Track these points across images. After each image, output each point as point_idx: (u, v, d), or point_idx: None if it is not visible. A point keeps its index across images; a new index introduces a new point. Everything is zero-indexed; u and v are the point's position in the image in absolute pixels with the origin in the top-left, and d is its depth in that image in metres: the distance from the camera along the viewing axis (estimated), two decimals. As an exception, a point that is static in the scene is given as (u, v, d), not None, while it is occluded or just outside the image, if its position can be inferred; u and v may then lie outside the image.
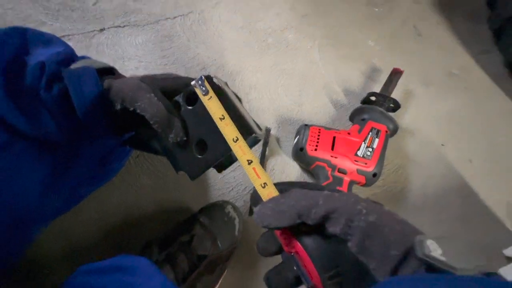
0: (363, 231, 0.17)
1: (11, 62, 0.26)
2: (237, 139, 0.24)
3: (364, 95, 0.60)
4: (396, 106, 0.60)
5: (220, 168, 0.31)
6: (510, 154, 0.66)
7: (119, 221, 0.51)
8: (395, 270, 0.16)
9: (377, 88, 0.62)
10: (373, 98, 0.59)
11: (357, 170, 0.52)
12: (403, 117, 0.68)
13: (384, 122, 0.56)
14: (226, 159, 0.30)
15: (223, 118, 0.25)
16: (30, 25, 0.71)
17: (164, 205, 0.54)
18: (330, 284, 0.18)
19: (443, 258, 0.14)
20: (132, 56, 0.69)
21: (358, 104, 0.61)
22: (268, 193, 0.21)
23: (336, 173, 0.52)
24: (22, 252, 0.33)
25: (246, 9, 0.77)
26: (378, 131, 0.55)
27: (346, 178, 0.52)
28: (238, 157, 0.24)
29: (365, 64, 0.74)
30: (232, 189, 0.57)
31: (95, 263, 0.29)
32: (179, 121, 0.27)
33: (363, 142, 0.53)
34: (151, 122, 0.26)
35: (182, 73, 0.68)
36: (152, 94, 0.26)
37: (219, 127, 0.25)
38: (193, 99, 0.28)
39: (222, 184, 0.57)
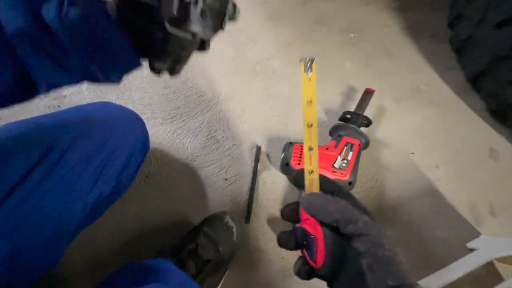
0: (378, 258, 0.21)
1: None
2: (311, 125, 0.26)
3: (341, 113, 0.70)
4: (368, 122, 0.69)
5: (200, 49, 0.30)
6: (471, 159, 0.75)
7: (133, 233, 0.59)
8: None
9: (354, 106, 0.72)
10: (348, 116, 0.69)
11: (335, 179, 0.61)
12: (377, 130, 0.77)
13: (357, 137, 0.65)
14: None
15: (311, 102, 0.26)
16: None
17: (170, 218, 0.62)
18: (327, 268, 0.23)
19: None
20: (139, 87, 0.79)
21: (336, 121, 0.71)
22: (310, 179, 0.26)
23: (317, 183, 0.61)
24: (57, 262, 0.40)
25: (236, 43, 0.88)
26: (352, 145, 0.64)
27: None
28: (304, 140, 0.26)
29: (343, 85, 0.84)
30: (230, 200, 0.65)
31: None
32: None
33: (339, 155, 0.62)
34: None
35: (182, 101, 0.78)
36: None
37: (302, 107, 0.26)
38: None
39: (220, 197, 0.65)
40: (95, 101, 0.75)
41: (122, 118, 0.48)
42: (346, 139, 0.65)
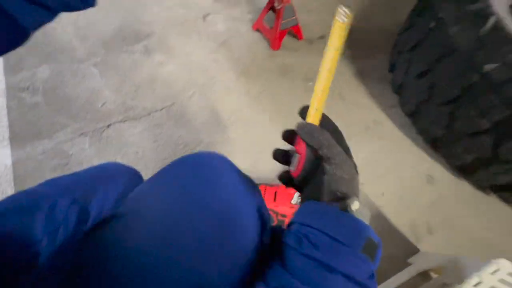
0: (336, 177, 0.27)
1: None
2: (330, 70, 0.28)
3: None
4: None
5: None
6: (412, 185, 0.90)
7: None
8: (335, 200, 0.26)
9: None
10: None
11: (293, 213, 0.75)
12: (333, 166, 0.93)
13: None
14: None
15: (338, 50, 0.28)
16: (57, 127, 0.98)
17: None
18: (301, 177, 0.30)
19: (353, 210, 0.26)
20: (132, 144, 0.94)
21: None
22: (314, 114, 0.29)
23: (279, 217, 0.75)
24: None
25: (213, 97, 1.06)
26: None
27: (287, 220, 0.75)
28: (318, 81, 0.29)
29: (303, 128, 1.01)
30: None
31: None
32: None
33: (296, 193, 0.77)
34: None
35: (170, 152, 0.93)
36: None
37: (327, 52, 0.28)
38: None
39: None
40: (97, 156, 0.91)
41: (126, 173, 0.55)
42: (302, 178, 0.80)
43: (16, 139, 0.93)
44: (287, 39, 1.27)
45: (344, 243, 0.23)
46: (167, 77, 1.12)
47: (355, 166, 0.30)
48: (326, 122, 0.31)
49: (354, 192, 0.28)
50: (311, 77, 1.15)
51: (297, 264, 0.24)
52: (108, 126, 0.98)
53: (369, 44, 1.29)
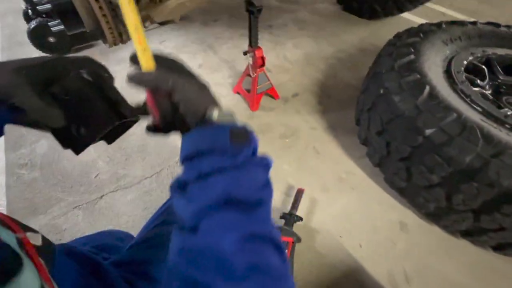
0: (185, 100, 0.29)
1: None
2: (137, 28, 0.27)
3: (283, 210, 0.92)
4: (299, 219, 0.92)
5: (110, 140, 0.35)
6: (386, 233, 0.97)
7: None
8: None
9: (291, 202, 0.95)
10: (283, 218, 0.92)
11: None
12: (312, 220, 1.00)
13: (290, 235, 0.87)
14: (112, 133, 0.34)
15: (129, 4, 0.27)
16: (52, 202, 1.04)
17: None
18: (166, 122, 0.31)
19: (215, 119, 0.28)
20: (124, 212, 1.01)
21: (277, 220, 0.93)
22: (143, 56, 0.28)
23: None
24: None
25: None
26: (287, 243, 0.85)
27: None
28: (127, 21, 0.27)
29: (282, 184, 1.09)
30: None
31: None
32: (57, 110, 0.28)
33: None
34: (29, 116, 0.27)
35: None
36: (29, 88, 0.26)
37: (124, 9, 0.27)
38: (73, 87, 0.29)
39: None
40: (90, 229, 0.96)
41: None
42: (282, 238, 0.86)
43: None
44: (264, 99, 1.42)
45: (207, 151, 0.26)
46: (156, 144, 1.22)
47: (200, 81, 0.31)
48: (160, 57, 0.31)
49: (210, 102, 0.29)
50: (288, 134, 1.27)
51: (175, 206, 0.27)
52: (101, 197, 1.05)
53: (337, 98, 1.45)
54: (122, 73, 1.57)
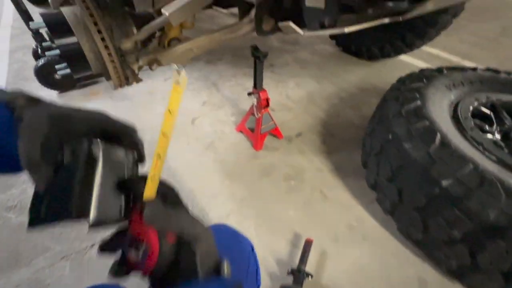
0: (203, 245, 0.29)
1: None
2: (166, 135, 0.28)
3: (291, 263, 0.84)
4: (308, 275, 0.83)
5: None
6: (405, 292, 0.87)
7: None
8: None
9: (299, 253, 0.87)
10: (291, 275, 0.83)
11: None
12: (322, 277, 0.91)
13: (300, 296, 0.78)
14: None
15: (171, 113, 0.27)
16: (38, 251, 0.95)
17: None
18: (161, 266, 0.28)
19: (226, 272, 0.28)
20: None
21: (284, 277, 0.84)
22: (150, 184, 0.28)
23: None
24: None
25: (201, 202, 1.09)
26: (297, 306, 0.76)
27: None
28: (156, 147, 0.28)
29: (289, 232, 1.02)
30: None
31: None
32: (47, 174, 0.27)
33: None
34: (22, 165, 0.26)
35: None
36: (44, 169, 0.26)
37: (164, 114, 0.27)
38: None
39: None
40: (76, 284, 0.86)
41: None
42: (291, 300, 0.77)
43: (-9, 269, 0.89)
44: (268, 139, 1.40)
45: None
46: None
47: (203, 224, 0.31)
48: (163, 187, 0.30)
49: (217, 253, 0.29)
50: (293, 176, 1.22)
51: None
52: (92, 246, 0.97)
53: (340, 137, 1.43)
54: (125, 110, 1.57)
